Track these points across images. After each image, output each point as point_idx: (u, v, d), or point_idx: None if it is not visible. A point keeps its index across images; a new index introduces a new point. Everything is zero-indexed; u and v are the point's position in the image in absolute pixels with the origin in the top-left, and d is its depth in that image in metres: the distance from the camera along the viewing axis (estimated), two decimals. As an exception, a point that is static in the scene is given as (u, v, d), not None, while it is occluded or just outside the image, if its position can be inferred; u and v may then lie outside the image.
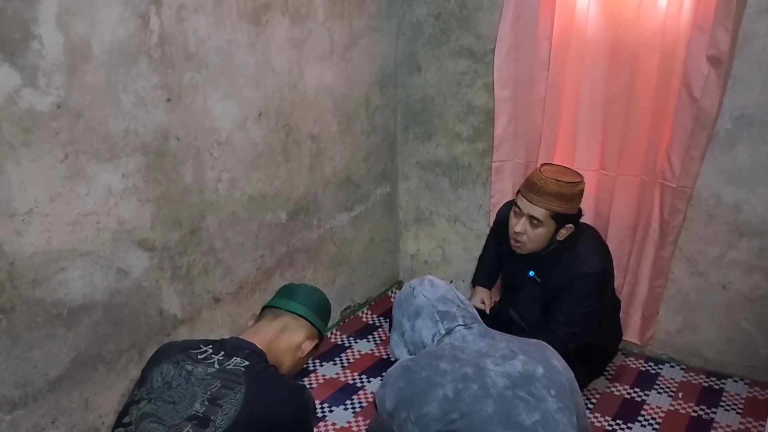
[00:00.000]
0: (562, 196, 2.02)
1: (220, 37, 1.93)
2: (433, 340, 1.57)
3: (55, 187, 1.56)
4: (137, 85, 1.71)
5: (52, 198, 1.56)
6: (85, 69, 1.57)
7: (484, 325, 1.65)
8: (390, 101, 2.87)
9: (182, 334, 2.02)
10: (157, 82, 1.76)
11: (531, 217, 2.06)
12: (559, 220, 2.06)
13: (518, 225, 2.09)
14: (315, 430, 2.15)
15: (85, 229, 1.66)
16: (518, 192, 2.13)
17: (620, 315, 2.43)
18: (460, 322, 1.58)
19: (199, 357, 1.48)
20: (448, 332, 1.56)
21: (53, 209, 1.57)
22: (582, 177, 2.10)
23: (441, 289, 1.67)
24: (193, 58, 1.86)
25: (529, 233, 2.09)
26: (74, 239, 1.64)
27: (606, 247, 2.23)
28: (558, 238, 2.10)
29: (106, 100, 1.64)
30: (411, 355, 1.63)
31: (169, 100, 1.81)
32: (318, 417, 2.23)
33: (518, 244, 2.14)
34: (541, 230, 2.07)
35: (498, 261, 2.45)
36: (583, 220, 2.23)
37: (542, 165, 2.15)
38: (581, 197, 2.10)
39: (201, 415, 1.36)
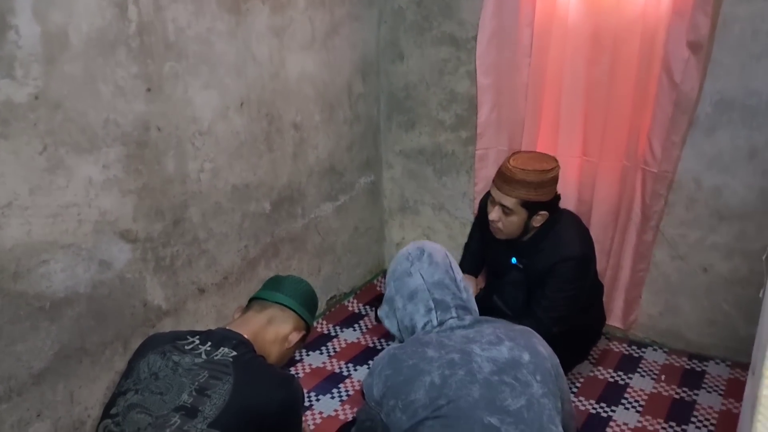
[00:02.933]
0: (531, 184, 2.04)
1: (199, 25, 1.91)
2: (423, 328, 1.57)
3: (34, 179, 1.54)
4: (116, 75, 1.69)
5: (31, 190, 1.54)
6: (63, 59, 1.55)
7: (477, 314, 1.64)
8: (373, 89, 2.86)
9: (167, 326, 2.01)
10: (136, 72, 1.74)
11: (502, 206, 2.09)
12: (531, 207, 2.08)
13: (492, 213, 2.14)
14: (303, 419, 2.15)
15: (66, 221, 1.64)
16: (492, 181, 2.15)
17: (603, 299, 2.46)
18: (453, 314, 1.56)
19: (186, 348, 1.48)
20: (440, 324, 1.55)
21: (33, 201, 1.55)
22: (556, 163, 2.11)
23: (439, 269, 1.63)
24: (172, 48, 1.83)
25: (503, 220, 2.12)
26: (55, 231, 1.62)
27: (587, 231, 2.25)
28: (533, 224, 2.13)
29: (84, 91, 1.61)
30: (399, 329, 1.63)
31: (149, 89, 1.79)
32: (305, 406, 2.23)
33: (495, 230, 2.18)
34: (513, 218, 2.10)
35: (483, 248, 2.47)
36: (565, 205, 2.24)
37: (514, 153, 2.17)
38: (555, 183, 2.11)
39: (189, 405, 1.36)
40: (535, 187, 2.04)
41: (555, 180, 2.10)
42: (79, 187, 1.65)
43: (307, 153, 2.51)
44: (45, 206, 1.58)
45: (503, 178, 2.08)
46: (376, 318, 2.80)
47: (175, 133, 1.91)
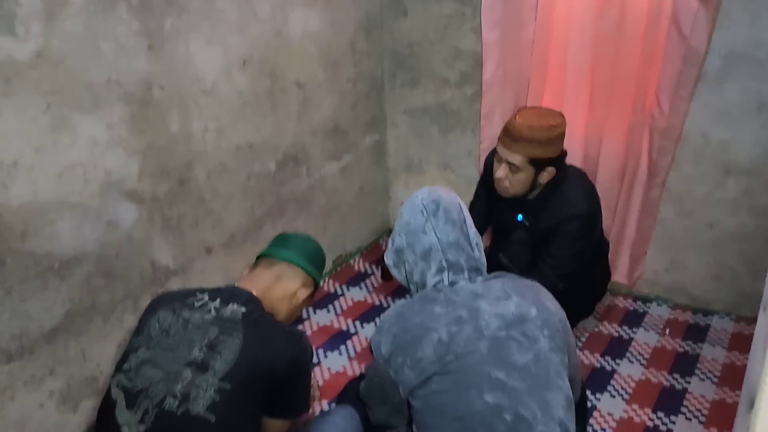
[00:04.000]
0: (538, 141, 2.01)
1: (200, -20, 1.87)
2: (434, 286, 1.57)
3: (39, 138, 1.53)
4: (117, 32, 1.66)
5: (36, 150, 1.53)
6: (63, 16, 1.53)
7: (486, 273, 1.63)
8: (376, 47, 2.82)
9: (175, 285, 2.03)
10: (137, 29, 1.72)
11: (509, 164, 2.06)
12: (538, 164, 2.06)
13: (499, 171, 2.11)
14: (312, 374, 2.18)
15: (72, 181, 1.64)
16: (498, 138, 2.13)
17: (609, 256, 2.46)
18: (465, 276, 1.55)
19: (196, 305, 1.49)
20: (451, 284, 1.55)
21: (38, 161, 1.54)
22: (562, 118, 2.08)
23: (455, 228, 1.59)
24: (173, 3, 1.80)
25: (510, 178, 2.10)
26: (61, 191, 1.62)
27: (593, 188, 2.24)
28: (540, 181, 2.11)
29: (86, 48, 1.59)
30: (407, 280, 1.63)
31: (150, 47, 1.76)
32: (314, 362, 2.26)
33: (501, 189, 2.16)
34: (520, 175, 2.08)
35: (488, 207, 2.46)
36: (572, 162, 2.22)
37: (520, 109, 2.13)
38: (562, 139, 2.08)
39: (200, 360, 1.37)
40: (542, 144, 2.02)
41: (562, 136, 2.07)
42: (83, 147, 1.65)
43: (311, 112, 2.49)
44: (50, 166, 1.57)
45: (510, 135, 2.05)
46: (382, 277, 2.82)
47: (178, 93, 1.89)
